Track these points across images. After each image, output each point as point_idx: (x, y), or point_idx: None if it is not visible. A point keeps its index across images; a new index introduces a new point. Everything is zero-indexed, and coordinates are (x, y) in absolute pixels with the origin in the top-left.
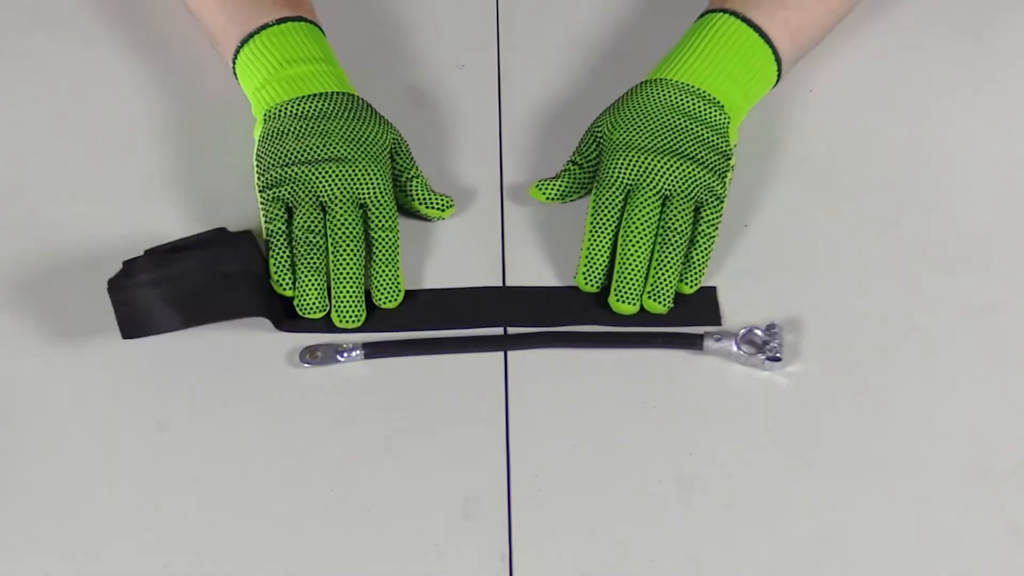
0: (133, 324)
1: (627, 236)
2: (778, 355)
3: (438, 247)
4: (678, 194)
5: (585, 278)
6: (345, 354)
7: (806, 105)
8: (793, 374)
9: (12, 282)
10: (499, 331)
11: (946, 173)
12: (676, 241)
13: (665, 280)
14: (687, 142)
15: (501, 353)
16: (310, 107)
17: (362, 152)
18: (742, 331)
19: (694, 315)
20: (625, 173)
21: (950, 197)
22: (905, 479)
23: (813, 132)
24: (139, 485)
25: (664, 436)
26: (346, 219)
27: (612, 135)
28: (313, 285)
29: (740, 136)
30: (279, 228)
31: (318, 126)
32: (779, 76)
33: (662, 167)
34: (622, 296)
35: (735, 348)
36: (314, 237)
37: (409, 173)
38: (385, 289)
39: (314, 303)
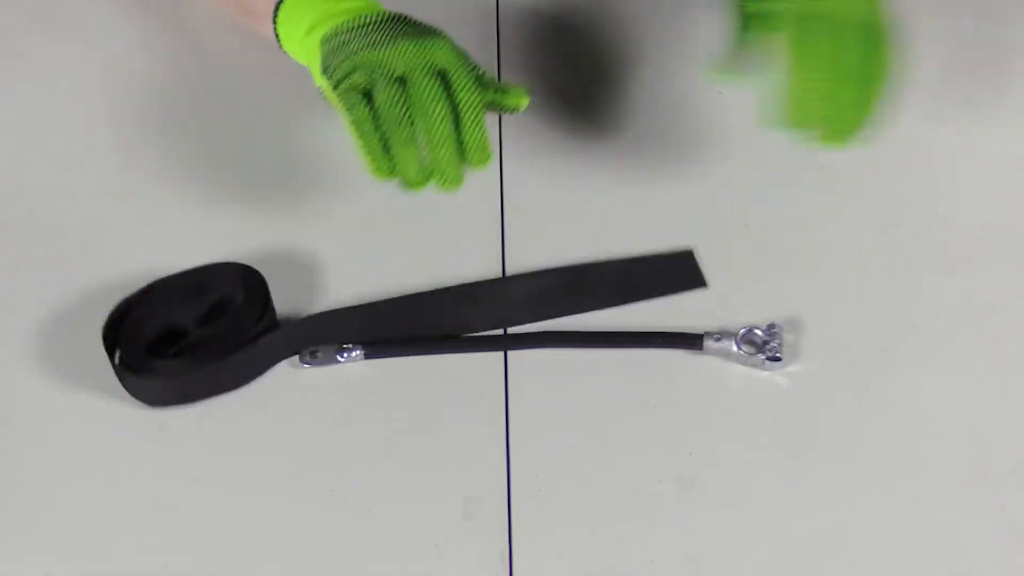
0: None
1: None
2: (778, 355)
3: (438, 245)
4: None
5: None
6: (345, 354)
7: None
8: (793, 374)
9: (12, 283)
10: (499, 331)
11: (946, 173)
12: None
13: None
14: None
15: (501, 353)
16: (367, 20)
17: (429, 31)
18: (742, 331)
19: (677, 280)
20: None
21: (950, 197)
22: (905, 479)
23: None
24: (139, 485)
25: (664, 436)
26: (428, 84)
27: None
28: (412, 158)
29: (739, 137)
30: (363, 114)
31: (379, 28)
32: None
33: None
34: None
35: (735, 348)
36: (400, 110)
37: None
38: (478, 150)
39: (416, 176)
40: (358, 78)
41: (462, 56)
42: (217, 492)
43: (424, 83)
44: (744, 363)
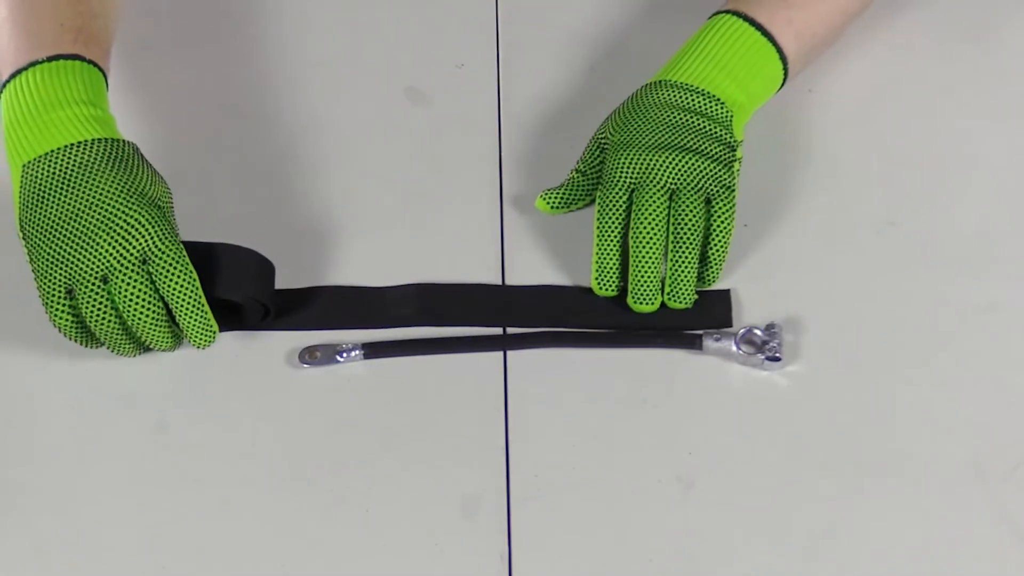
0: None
1: (637, 235)
2: (778, 355)
3: (437, 247)
4: (685, 187)
5: (599, 283)
6: (345, 354)
7: (806, 105)
8: (793, 374)
9: (12, 282)
10: (499, 331)
11: (946, 173)
12: (689, 236)
13: (682, 278)
14: (690, 136)
15: (501, 353)
16: (70, 169)
17: (133, 183)
18: (742, 331)
19: (708, 316)
20: (628, 172)
21: (950, 197)
22: (905, 479)
23: (813, 132)
24: (139, 485)
25: (664, 436)
26: (131, 283)
27: (614, 137)
28: (126, 343)
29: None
30: (67, 322)
31: (79, 192)
32: (786, 76)
33: (665, 161)
34: (639, 298)
35: (735, 348)
36: (106, 314)
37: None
38: (197, 335)
39: (132, 349)
40: (58, 277)
41: (165, 234)
42: (217, 492)
43: (127, 283)
44: (744, 363)
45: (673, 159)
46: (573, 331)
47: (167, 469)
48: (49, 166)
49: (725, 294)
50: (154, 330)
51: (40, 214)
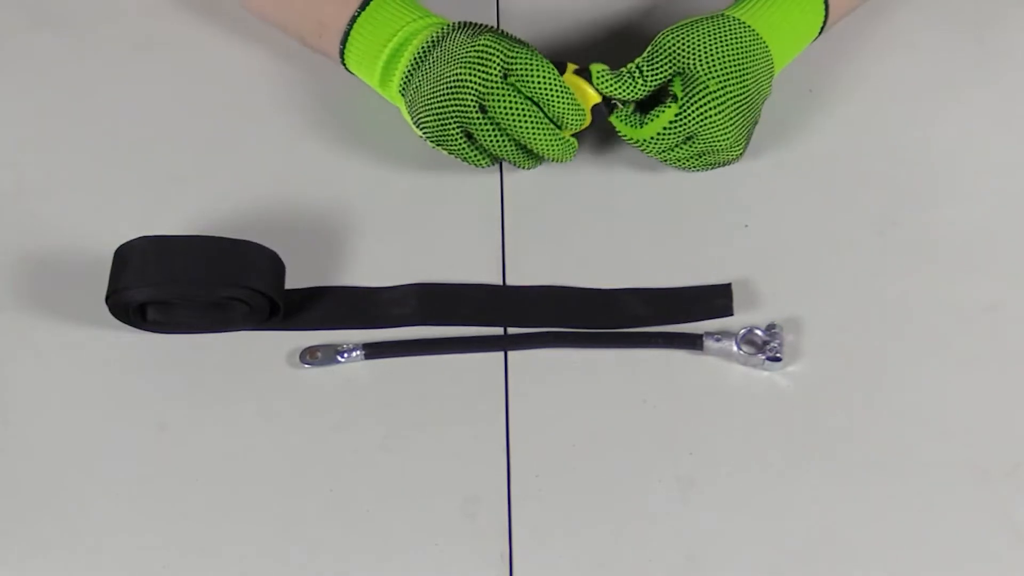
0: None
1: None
2: (778, 355)
3: (437, 246)
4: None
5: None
6: (345, 354)
7: (806, 105)
8: (793, 374)
9: (12, 282)
10: (499, 331)
11: (946, 173)
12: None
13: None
14: (753, 113)
15: (501, 353)
16: (432, 47)
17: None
18: (742, 331)
19: (708, 308)
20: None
21: (950, 197)
22: (905, 479)
23: (813, 132)
24: (139, 485)
25: (664, 436)
26: (508, 104)
27: (698, 71)
28: (523, 156)
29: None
30: (471, 154)
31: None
32: (823, 27)
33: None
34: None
35: (735, 348)
36: (499, 138)
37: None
38: (570, 116)
39: (530, 162)
40: (453, 127)
41: (510, 45)
42: (217, 492)
43: (500, 101)
44: (744, 363)
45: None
46: (573, 331)
47: (167, 469)
48: (413, 50)
49: (726, 287)
50: (539, 131)
51: (414, 82)
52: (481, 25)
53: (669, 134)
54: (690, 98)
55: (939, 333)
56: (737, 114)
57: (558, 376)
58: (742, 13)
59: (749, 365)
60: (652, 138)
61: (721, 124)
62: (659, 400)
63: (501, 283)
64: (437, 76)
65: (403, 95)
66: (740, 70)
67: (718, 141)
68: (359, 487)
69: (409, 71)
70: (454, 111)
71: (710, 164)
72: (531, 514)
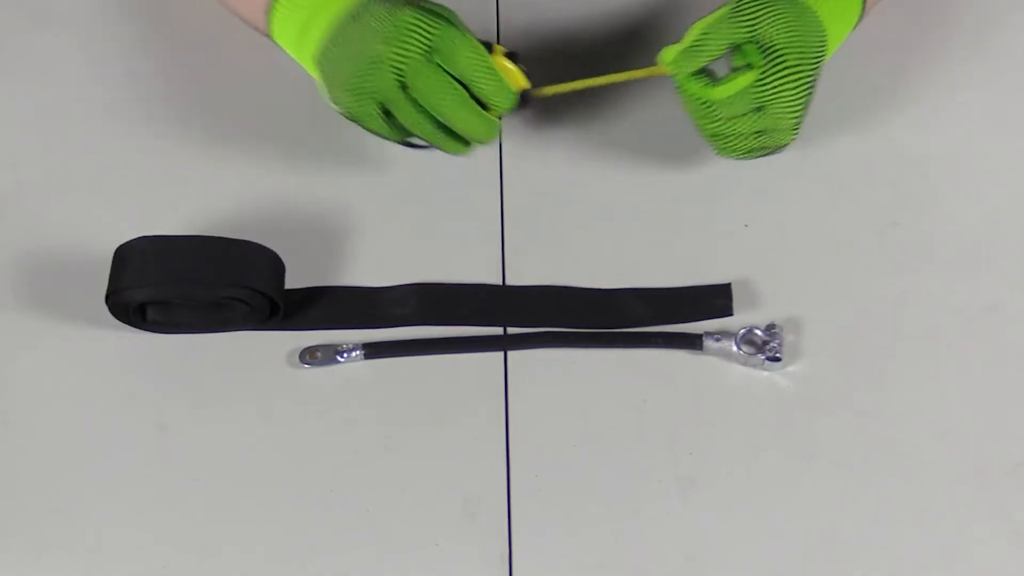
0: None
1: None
2: (778, 355)
3: (437, 246)
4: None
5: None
6: (345, 354)
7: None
8: (793, 374)
9: (12, 282)
10: (499, 331)
11: (946, 173)
12: None
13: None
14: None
15: (501, 353)
16: (355, 19)
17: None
18: (742, 331)
19: (708, 308)
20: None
21: (950, 197)
22: (905, 479)
23: (812, 131)
24: (139, 485)
25: (664, 436)
26: (431, 80)
27: (778, 42)
28: (444, 138)
29: None
30: (386, 130)
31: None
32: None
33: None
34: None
35: (735, 348)
36: (419, 116)
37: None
38: (497, 96)
39: (456, 145)
40: (369, 103)
41: (435, 19)
42: (217, 492)
43: (422, 78)
44: (744, 363)
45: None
46: (573, 331)
47: (167, 469)
48: (334, 15)
49: (726, 287)
50: (463, 111)
51: (331, 53)
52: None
53: (742, 99)
54: (771, 67)
55: (939, 333)
56: (807, 93)
57: (558, 376)
58: None
59: (749, 365)
60: (725, 100)
61: (794, 100)
62: (659, 400)
63: (501, 283)
64: (357, 53)
65: (319, 68)
66: (813, 51)
67: (786, 118)
68: (359, 487)
69: (326, 44)
70: (373, 89)
71: (763, 148)
72: (531, 514)
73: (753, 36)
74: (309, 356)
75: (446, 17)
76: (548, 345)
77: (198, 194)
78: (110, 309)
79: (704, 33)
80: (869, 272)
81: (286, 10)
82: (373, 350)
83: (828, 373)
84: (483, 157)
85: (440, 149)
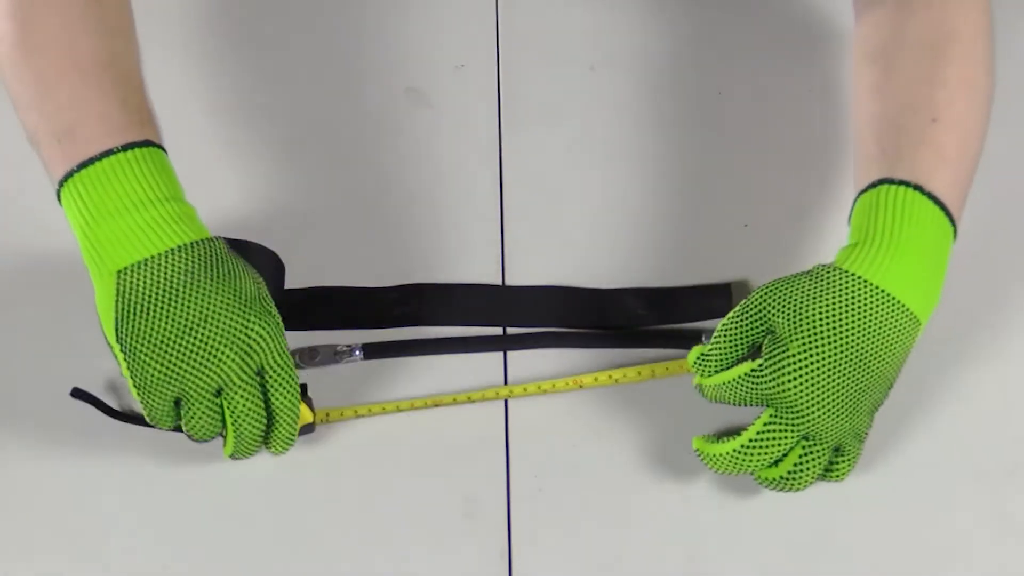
0: None
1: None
2: None
3: (437, 246)
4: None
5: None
6: (345, 354)
7: (805, 104)
8: None
9: (12, 282)
10: (499, 331)
11: None
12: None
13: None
14: (875, 387)
15: (501, 353)
16: (175, 283)
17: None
18: None
19: (707, 309)
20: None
21: None
22: (905, 479)
23: (812, 131)
24: (139, 485)
25: (663, 435)
26: (245, 398)
27: (782, 330)
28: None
29: (739, 137)
30: (171, 426)
31: (191, 295)
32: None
33: (842, 427)
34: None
35: None
36: (215, 425)
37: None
38: (280, 443)
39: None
40: (169, 391)
41: (281, 347)
42: (217, 492)
43: (243, 397)
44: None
45: (851, 425)
46: (573, 331)
47: (167, 469)
48: (151, 275)
49: (726, 287)
50: (253, 441)
51: (145, 327)
52: (250, 278)
53: (733, 387)
54: (769, 357)
55: (939, 333)
56: (831, 384)
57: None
58: (858, 263)
59: None
60: (716, 386)
61: (802, 393)
62: (659, 399)
63: (501, 283)
64: (186, 327)
65: (119, 296)
66: (838, 332)
67: (807, 415)
68: (359, 487)
69: (143, 298)
70: (188, 380)
71: (794, 480)
72: (531, 514)
73: (763, 332)
74: (309, 357)
75: (281, 331)
76: (548, 345)
77: (198, 194)
78: None
79: (719, 334)
80: None
81: (79, 194)
82: (373, 350)
83: None
84: (483, 158)
85: (201, 441)
